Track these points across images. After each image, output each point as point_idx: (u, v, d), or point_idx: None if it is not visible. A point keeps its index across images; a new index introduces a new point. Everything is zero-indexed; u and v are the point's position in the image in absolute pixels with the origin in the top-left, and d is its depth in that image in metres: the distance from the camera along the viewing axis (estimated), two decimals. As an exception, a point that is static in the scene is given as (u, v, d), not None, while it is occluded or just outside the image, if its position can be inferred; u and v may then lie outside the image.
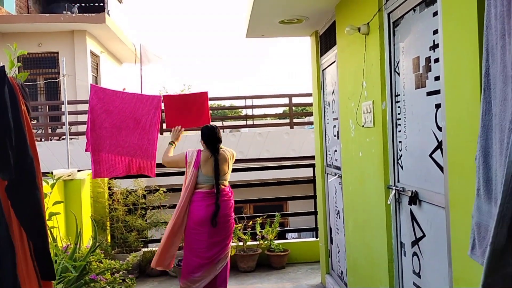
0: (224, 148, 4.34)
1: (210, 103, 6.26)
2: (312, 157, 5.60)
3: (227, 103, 14.01)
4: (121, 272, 4.12)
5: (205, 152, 4.21)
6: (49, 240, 1.99)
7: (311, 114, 9.99)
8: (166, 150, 4.46)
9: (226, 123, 13.57)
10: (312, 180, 6.05)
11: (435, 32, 2.31)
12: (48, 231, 3.37)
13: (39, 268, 1.88)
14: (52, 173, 4.43)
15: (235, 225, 5.25)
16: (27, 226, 1.81)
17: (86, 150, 5.35)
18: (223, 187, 4.19)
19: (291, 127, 10.76)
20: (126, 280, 4.23)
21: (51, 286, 2.01)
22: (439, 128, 2.31)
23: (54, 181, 3.25)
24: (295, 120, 11.33)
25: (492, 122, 1.38)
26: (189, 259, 4.12)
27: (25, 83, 2.01)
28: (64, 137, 9.12)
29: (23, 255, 1.77)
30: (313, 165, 5.82)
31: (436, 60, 2.31)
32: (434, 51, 2.34)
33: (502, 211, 1.21)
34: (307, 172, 6.33)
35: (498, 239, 1.21)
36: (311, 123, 10.72)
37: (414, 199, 2.59)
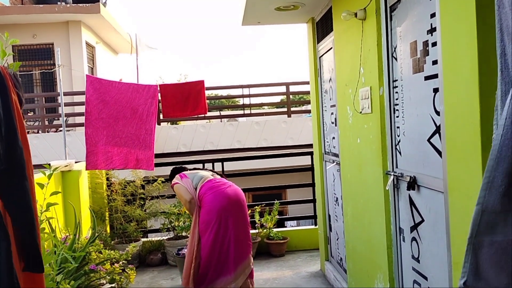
0: None
1: (207, 93, 6.23)
2: (310, 145, 5.59)
3: (224, 93, 13.95)
4: (120, 262, 4.13)
5: (183, 172, 4.22)
6: (40, 232, 1.97)
7: (308, 102, 9.96)
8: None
9: (223, 113, 13.53)
10: (310, 168, 6.05)
11: (433, 15, 2.29)
12: (47, 222, 3.36)
13: (27, 261, 1.86)
14: (49, 164, 4.42)
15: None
16: (16, 217, 1.80)
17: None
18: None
19: (289, 116, 10.74)
20: (125, 270, 4.24)
21: (42, 278, 2.00)
22: (437, 113, 2.29)
23: (51, 172, 3.24)
24: (292, 109, 11.29)
25: None
26: (208, 271, 3.82)
27: (20, 73, 1.99)
28: (61, 128, 9.09)
29: None
30: (311, 153, 5.82)
31: (434, 44, 2.29)
32: (431, 35, 2.32)
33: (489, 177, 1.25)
34: (305, 160, 6.33)
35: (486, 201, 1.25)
36: (308, 111, 10.69)
37: (413, 184, 2.59)
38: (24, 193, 1.81)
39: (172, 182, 4.13)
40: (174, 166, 4.45)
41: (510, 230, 1.22)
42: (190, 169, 4.31)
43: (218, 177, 4.11)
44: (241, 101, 12.26)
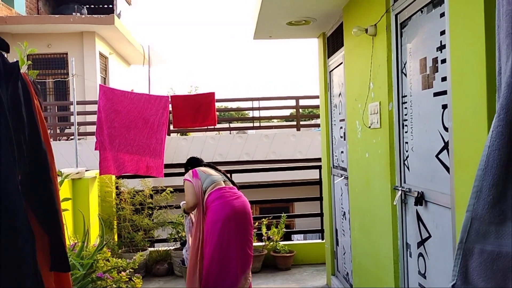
0: None
1: (217, 105, 6.29)
2: (319, 159, 5.61)
3: (234, 105, 14.03)
4: (127, 271, 4.15)
5: (198, 168, 4.21)
6: (65, 232, 2.01)
7: (317, 116, 9.98)
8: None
9: (232, 125, 13.61)
10: (318, 182, 6.05)
11: (443, 33, 2.32)
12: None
13: (54, 260, 1.91)
14: (60, 171, 4.48)
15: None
16: (42, 219, 1.85)
17: (95, 149, 5.44)
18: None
19: (298, 129, 10.76)
20: (132, 278, 4.25)
21: (68, 277, 2.04)
22: (446, 129, 2.31)
23: (62, 178, 3.29)
24: (302, 122, 11.32)
25: None
26: (212, 276, 3.86)
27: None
28: (72, 137, 9.20)
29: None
30: (319, 167, 5.83)
31: (443, 61, 2.32)
32: (441, 52, 2.35)
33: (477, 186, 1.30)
34: (313, 174, 6.33)
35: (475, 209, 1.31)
36: (317, 125, 10.71)
37: (420, 199, 2.59)
38: (49, 195, 1.87)
39: (184, 177, 4.16)
40: (190, 157, 4.49)
41: (502, 243, 1.26)
42: (205, 164, 4.33)
43: (229, 185, 4.14)
44: (250, 114, 12.31)
